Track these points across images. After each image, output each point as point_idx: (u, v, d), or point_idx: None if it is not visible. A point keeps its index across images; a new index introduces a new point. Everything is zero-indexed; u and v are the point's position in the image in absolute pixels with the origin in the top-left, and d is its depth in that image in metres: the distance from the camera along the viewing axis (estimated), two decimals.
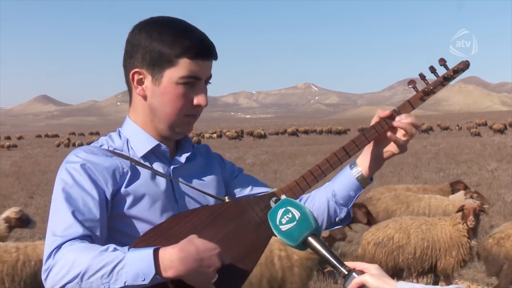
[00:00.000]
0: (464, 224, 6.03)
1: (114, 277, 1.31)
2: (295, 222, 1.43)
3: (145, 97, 1.59)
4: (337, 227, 1.83)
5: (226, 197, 1.64)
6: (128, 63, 1.59)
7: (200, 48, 1.54)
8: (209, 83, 1.62)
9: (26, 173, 23.38)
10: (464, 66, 1.70)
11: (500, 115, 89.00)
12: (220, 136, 55.99)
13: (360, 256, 6.39)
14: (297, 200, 1.51)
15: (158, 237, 1.43)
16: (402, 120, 1.67)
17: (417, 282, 6.18)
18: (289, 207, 1.46)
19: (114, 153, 1.56)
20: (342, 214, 1.77)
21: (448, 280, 6.23)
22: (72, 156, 1.53)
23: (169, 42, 1.53)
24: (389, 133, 1.67)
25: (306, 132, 60.61)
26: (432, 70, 1.68)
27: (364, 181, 1.74)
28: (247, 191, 1.77)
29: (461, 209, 6.11)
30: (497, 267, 6.07)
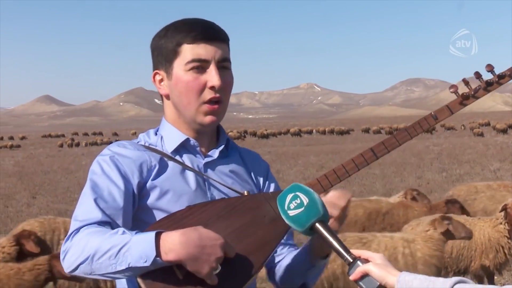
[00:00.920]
0: (506, 224, 5.81)
1: (120, 258, 1.36)
2: (303, 208, 1.44)
3: (167, 96, 1.66)
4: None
5: (245, 191, 1.64)
6: (152, 69, 1.68)
7: (199, 31, 1.59)
8: (225, 67, 1.62)
9: (28, 173, 23.41)
10: (511, 72, 1.63)
11: (503, 115, 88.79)
12: None
13: None
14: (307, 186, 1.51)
15: (170, 226, 1.46)
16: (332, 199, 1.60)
17: None
18: (298, 193, 1.46)
19: (146, 147, 1.62)
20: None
21: (488, 281, 6.01)
22: (105, 150, 1.62)
23: (171, 36, 1.60)
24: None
25: (308, 132, 60.58)
26: (477, 76, 1.64)
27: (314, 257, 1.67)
28: None
29: (504, 208, 5.89)
30: None
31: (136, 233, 1.39)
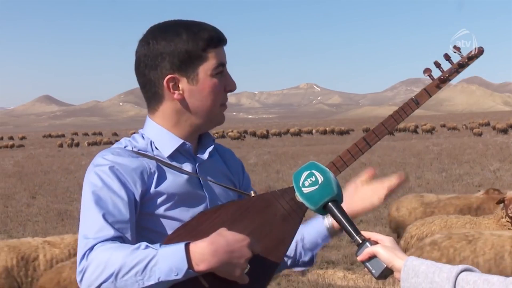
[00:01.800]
0: (506, 216, 5.88)
1: (148, 274, 1.33)
2: (317, 186, 1.45)
3: (181, 100, 1.60)
4: (298, 269, 1.85)
5: (251, 192, 1.65)
6: (154, 74, 1.59)
7: (218, 35, 1.61)
8: None
9: (28, 173, 23.43)
10: (478, 52, 1.68)
11: (502, 115, 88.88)
12: (222, 136, 56.03)
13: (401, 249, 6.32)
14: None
15: (188, 234, 1.46)
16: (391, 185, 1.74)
17: None
18: (313, 171, 1.48)
19: (140, 154, 1.58)
20: (306, 258, 1.81)
21: None
22: (100, 159, 1.54)
23: (192, 40, 1.57)
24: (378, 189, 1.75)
25: (308, 132, 60.62)
26: (447, 57, 1.67)
27: (334, 233, 1.79)
28: None
29: (501, 200, 5.97)
30: None
31: (160, 246, 1.37)
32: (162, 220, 1.55)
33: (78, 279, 1.39)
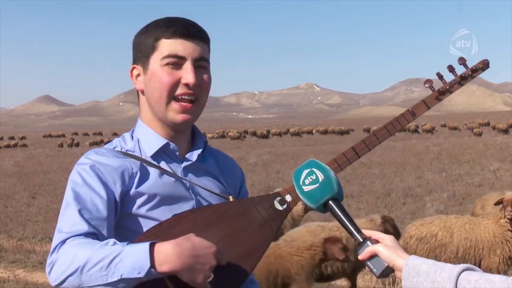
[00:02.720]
0: (505, 217, 5.82)
1: (111, 270, 1.33)
2: (318, 184, 1.45)
3: (142, 91, 1.64)
4: None
5: (230, 196, 1.63)
6: (131, 66, 1.67)
7: (178, 28, 1.58)
8: (202, 67, 1.60)
9: (28, 173, 23.40)
10: (483, 65, 1.64)
11: (502, 115, 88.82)
12: (223, 136, 55.99)
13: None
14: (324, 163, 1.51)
15: (159, 236, 1.44)
16: None
17: None
18: (314, 169, 1.47)
19: (125, 154, 1.59)
20: None
21: None
22: (83, 158, 1.57)
23: (150, 32, 1.60)
24: None
25: (308, 132, 60.58)
26: (451, 69, 1.63)
27: None
28: None
29: (500, 201, 5.92)
30: None
31: (127, 244, 1.37)
32: (142, 220, 1.54)
33: (47, 271, 1.41)
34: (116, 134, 77.37)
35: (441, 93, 1.64)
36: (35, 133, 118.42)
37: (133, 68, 1.65)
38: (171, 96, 1.57)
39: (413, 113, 1.64)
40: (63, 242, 1.41)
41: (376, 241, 1.44)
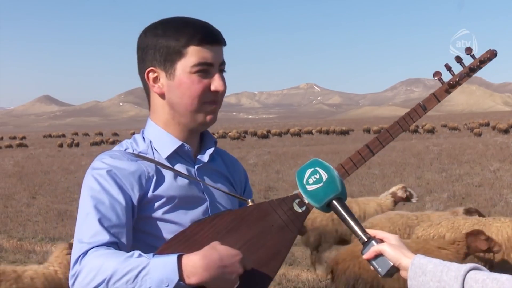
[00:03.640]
0: None
1: (139, 282, 1.32)
2: (321, 184, 1.44)
3: (162, 95, 1.60)
4: None
5: (249, 200, 1.62)
6: (142, 67, 1.62)
7: (205, 33, 1.57)
8: (224, 71, 1.62)
9: (28, 173, 23.39)
10: (491, 55, 1.63)
11: (502, 115, 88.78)
12: (223, 136, 55.99)
13: None
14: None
15: (183, 244, 1.45)
16: None
17: None
18: (317, 168, 1.47)
19: (139, 156, 1.57)
20: None
21: None
22: (98, 162, 1.54)
23: (174, 35, 1.56)
24: None
25: (308, 132, 60.57)
26: (458, 60, 1.62)
27: None
28: None
29: None
30: None
31: (153, 256, 1.37)
32: (160, 223, 1.53)
33: (70, 283, 1.39)
34: (116, 134, 77.40)
35: (451, 86, 1.63)
36: (35, 133, 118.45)
37: (150, 71, 1.60)
38: (202, 103, 1.57)
39: (424, 107, 1.63)
40: (85, 253, 1.39)
41: (381, 241, 1.44)
